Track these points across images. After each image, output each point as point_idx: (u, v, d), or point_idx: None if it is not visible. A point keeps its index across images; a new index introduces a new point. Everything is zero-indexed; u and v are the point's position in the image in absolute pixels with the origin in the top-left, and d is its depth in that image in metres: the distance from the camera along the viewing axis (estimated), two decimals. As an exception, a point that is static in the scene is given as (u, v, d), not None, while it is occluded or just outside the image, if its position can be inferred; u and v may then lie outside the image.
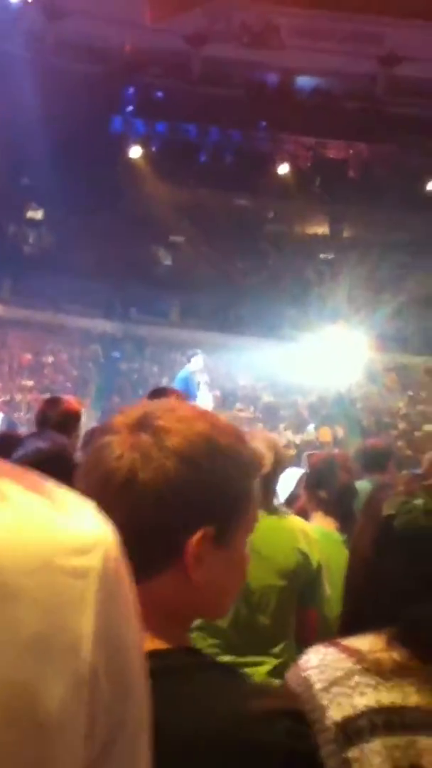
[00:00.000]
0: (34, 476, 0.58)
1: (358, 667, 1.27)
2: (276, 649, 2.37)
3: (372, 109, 14.49)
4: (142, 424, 0.92)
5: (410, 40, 13.07)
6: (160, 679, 0.72)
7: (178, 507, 0.89)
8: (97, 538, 0.56)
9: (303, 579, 2.50)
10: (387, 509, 1.38)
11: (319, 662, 1.30)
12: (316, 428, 13.61)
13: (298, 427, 13.89)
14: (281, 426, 13.84)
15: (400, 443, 11.73)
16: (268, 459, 2.80)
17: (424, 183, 15.24)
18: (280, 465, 2.74)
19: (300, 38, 14.58)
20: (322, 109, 15.02)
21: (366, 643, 1.30)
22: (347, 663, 1.28)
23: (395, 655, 1.27)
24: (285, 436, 13.15)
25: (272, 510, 2.58)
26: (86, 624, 0.53)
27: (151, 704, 0.62)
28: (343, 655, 1.29)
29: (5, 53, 15.32)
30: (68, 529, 0.54)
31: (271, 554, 2.43)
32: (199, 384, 11.04)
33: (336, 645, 1.32)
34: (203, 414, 0.97)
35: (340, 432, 13.13)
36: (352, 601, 1.43)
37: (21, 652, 0.50)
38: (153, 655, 0.77)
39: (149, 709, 0.61)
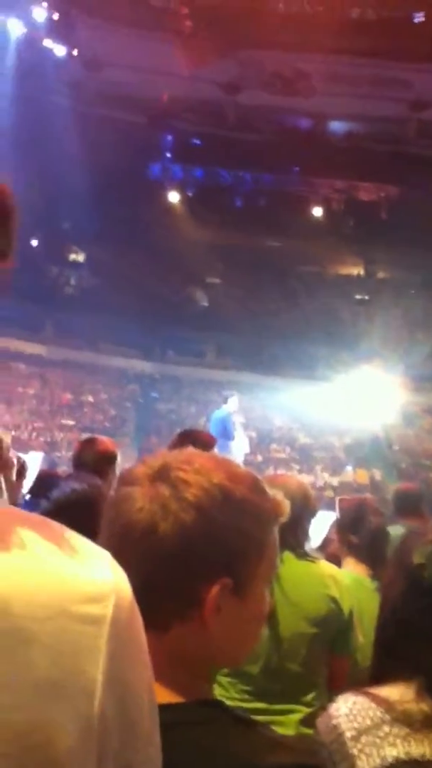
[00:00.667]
0: (53, 525, 0.61)
1: (388, 717, 1.27)
2: (307, 698, 2.33)
3: (402, 153, 14.62)
4: (162, 475, 0.93)
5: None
6: (173, 731, 0.74)
7: (196, 559, 0.90)
8: (110, 586, 0.58)
9: (334, 626, 2.44)
10: (417, 558, 1.38)
11: (349, 710, 1.29)
12: (353, 470, 13.47)
13: (335, 468, 13.78)
14: (318, 467, 13.74)
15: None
16: (287, 506, 2.76)
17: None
18: (308, 509, 2.72)
19: (330, 84, 14.85)
20: (353, 152, 15.20)
21: (396, 692, 1.30)
22: (377, 712, 1.27)
23: (425, 706, 1.26)
24: (322, 477, 13.05)
25: (302, 555, 2.58)
26: (97, 670, 0.56)
27: (162, 755, 0.64)
28: (372, 704, 1.28)
29: (49, 103, 15.93)
30: (82, 577, 0.57)
31: (302, 601, 2.38)
32: (235, 425, 11.07)
33: (366, 694, 1.32)
34: (221, 464, 0.98)
35: (377, 474, 12.99)
36: (382, 650, 1.41)
37: (35, 694, 0.53)
38: (168, 708, 0.79)
39: (159, 756, 0.63)
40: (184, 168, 18.15)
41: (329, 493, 10.99)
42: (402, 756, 1.23)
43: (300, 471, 13.30)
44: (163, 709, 0.69)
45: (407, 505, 4.15)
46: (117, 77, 16.39)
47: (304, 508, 2.67)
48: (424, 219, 14.74)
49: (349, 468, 13.56)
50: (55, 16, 15.65)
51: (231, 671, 2.34)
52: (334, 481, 12.95)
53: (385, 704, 1.29)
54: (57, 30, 15.73)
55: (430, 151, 14.34)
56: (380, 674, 1.37)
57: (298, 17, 14.98)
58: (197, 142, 17.39)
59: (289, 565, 2.41)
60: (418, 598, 1.34)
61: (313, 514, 2.79)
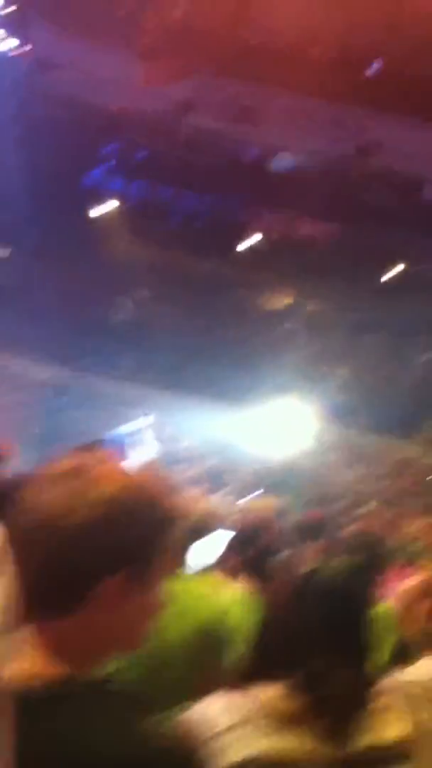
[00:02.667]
0: None
1: (257, 712, 1.34)
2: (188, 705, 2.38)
3: (344, 193, 15.03)
4: (71, 475, 1.03)
5: (388, 132, 13.69)
6: (60, 704, 0.87)
7: (97, 552, 1.00)
8: None
9: (217, 638, 2.49)
10: (310, 565, 1.58)
11: (220, 706, 1.36)
12: (261, 496, 13.50)
13: (241, 493, 13.77)
14: (224, 490, 13.70)
15: (341, 519, 11.71)
16: (192, 518, 2.85)
17: (385, 270, 15.87)
18: (206, 525, 2.89)
19: (283, 118, 15.16)
20: (296, 186, 15.51)
21: (267, 690, 1.38)
22: (246, 708, 1.35)
23: (293, 703, 1.35)
24: (227, 500, 13.01)
25: (194, 569, 2.67)
26: None
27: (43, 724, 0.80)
28: (244, 700, 1.36)
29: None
30: None
31: (188, 612, 2.42)
32: (145, 440, 10.97)
33: (237, 690, 1.40)
34: (129, 469, 1.08)
35: (284, 502, 13.05)
36: (259, 652, 1.51)
37: None
38: (57, 682, 0.93)
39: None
40: (124, 179, 18.09)
41: (234, 517, 10.88)
42: (268, 750, 1.31)
43: (208, 492, 13.20)
44: (53, 682, 0.87)
45: (310, 533, 4.44)
46: (68, 82, 16.23)
47: (200, 524, 2.79)
48: (357, 259, 15.26)
49: (256, 493, 13.60)
50: (8, 10, 15.30)
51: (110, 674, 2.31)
52: (241, 504, 12.89)
53: (256, 701, 1.36)
54: (10, 24, 15.42)
55: (371, 196, 14.80)
56: (254, 673, 1.44)
57: (259, 49, 15.25)
58: (141, 155, 17.37)
59: (181, 578, 2.46)
60: (306, 601, 1.44)
61: (209, 530, 3.00)
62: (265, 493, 13.19)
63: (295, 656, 1.40)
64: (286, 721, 1.34)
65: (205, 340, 17.07)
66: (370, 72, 13.82)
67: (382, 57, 13.58)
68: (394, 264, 15.92)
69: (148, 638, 2.39)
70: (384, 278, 15.82)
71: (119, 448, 9.96)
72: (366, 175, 14.66)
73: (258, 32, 15.22)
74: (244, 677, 1.47)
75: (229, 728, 1.31)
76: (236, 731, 1.30)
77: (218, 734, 1.29)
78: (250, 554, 3.29)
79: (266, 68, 14.75)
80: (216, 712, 1.35)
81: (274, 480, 14.04)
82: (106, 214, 17.79)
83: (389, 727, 1.43)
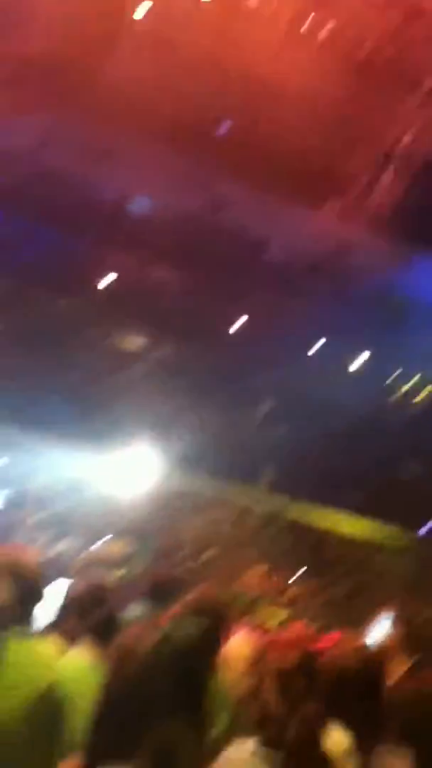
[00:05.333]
0: None
1: None
2: None
3: (195, 244, 15.47)
4: None
5: (236, 196, 14.34)
6: None
7: None
8: None
9: (54, 710, 2.37)
10: (167, 628, 1.45)
11: None
12: (109, 541, 13.41)
13: (90, 538, 13.61)
14: (73, 535, 13.50)
15: (183, 567, 11.85)
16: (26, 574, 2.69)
17: (231, 321, 16.44)
18: (28, 586, 2.60)
19: (137, 165, 15.40)
20: (149, 233, 15.80)
21: None
22: None
23: None
24: (75, 545, 12.83)
25: (28, 634, 2.48)
26: None
27: None
28: None
29: None
30: None
31: (24, 680, 2.29)
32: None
33: None
34: None
35: (131, 549, 13.06)
36: (103, 728, 1.43)
37: None
38: None
39: None
40: (-27, 208, 17.54)
41: (80, 563, 10.79)
42: None
43: (54, 536, 12.98)
44: None
45: (156, 591, 4.28)
46: None
47: (21, 586, 2.57)
48: (203, 308, 15.66)
49: (105, 538, 13.50)
50: None
51: None
52: (88, 550, 12.77)
53: None
54: None
55: (219, 248, 15.32)
56: (96, 750, 1.41)
57: (117, 94, 15.44)
58: (-3, 184, 16.92)
59: (10, 645, 2.35)
60: (156, 665, 1.38)
61: (31, 590, 2.67)
62: (112, 539, 13.16)
63: (141, 727, 1.34)
64: None
65: (54, 380, 16.78)
66: (219, 132, 14.43)
67: (230, 119, 14.23)
68: (240, 314, 16.50)
69: None
70: (230, 329, 16.35)
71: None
72: (216, 228, 15.20)
73: (117, 76, 15.49)
74: (85, 755, 1.43)
75: None
76: None
77: None
78: (92, 617, 3.12)
79: (123, 113, 14.98)
80: None
81: (121, 525, 14.01)
82: None
83: None
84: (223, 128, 14.64)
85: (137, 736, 1.34)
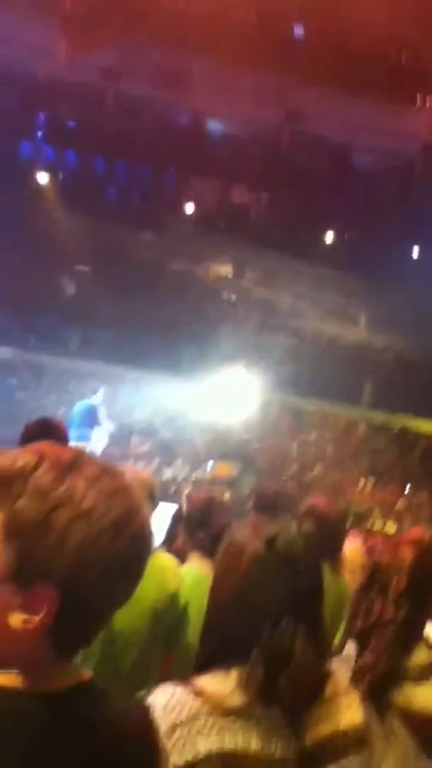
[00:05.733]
0: None
1: (205, 708, 1.28)
2: (140, 694, 2.34)
3: (275, 160, 15.00)
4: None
5: (315, 101, 13.70)
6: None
7: None
8: None
9: (169, 621, 2.51)
10: (268, 533, 1.40)
11: (165, 703, 1.30)
12: (214, 465, 13.68)
13: (194, 463, 13.93)
14: (178, 462, 13.85)
15: (290, 485, 11.96)
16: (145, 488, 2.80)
17: (322, 234, 15.94)
18: (155, 506, 2.73)
19: (211, 85, 14.99)
20: (228, 153, 15.44)
21: (215, 683, 1.32)
22: (194, 704, 1.29)
23: (243, 696, 1.29)
24: (182, 471, 13.17)
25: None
26: None
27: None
28: (190, 696, 1.30)
29: None
30: None
31: (139, 596, 2.40)
32: (100, 416, 10.97)
33: (185, 685, 1.34)
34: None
35: (236, 471, 13.28)
36: (212, 635, 1.43)
37: None
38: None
39: None
40: (56, 150, 17.66)
41: (187, 487, 11.10)
42: (214, 749, 1.25)
43: (160, 464, 13.35)
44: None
45: (266, 503, 4.30)
46: (-8, 50, 15.66)
47: (157, 504, 2.68)
48: (291, 226, 15.24)
49: (210, 463, 13.77)
50: None
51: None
52: (194, 475, 13.10)
53: (202, 695, 1.30)
54: None
55: (302, 161, 14.80)
56: (205, 661, 1.39)
57: (184, 15, 15.00)
58: (71, 124, 16.96)
59: None
60: (266, 569, 1.36)
61: (154, 506, 2.78)
62: (217, 462, 13.40)
63: (254, 631, 1.32)
64: (235, 715, 1.27)
65: (148, 312, 16.98)
66: (293, 38, 13.76)
67: (305, 25, 13.51)
68: (327, 230, 15.99)
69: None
70: (320, 245, 15.90)
71: (72, 425, 9.94)
72: (295, 141, 14.66)
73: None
74: (198, 663, 1.42)
75: (174, 727, 1.26)
76: (180, 731, 1.25)
77: (162, 735, 1.19)
78: (201, 533, 3.16)
79: (190, 34, 14.54)
80: (159, 711, 1.26)
81: (224, 450, 14.24)
82: (40, 187, 17.42)
83: (343, 713, 1.33)
84: (297, 33, 13.92)
85: (247, 641, 1.33)
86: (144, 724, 1.08)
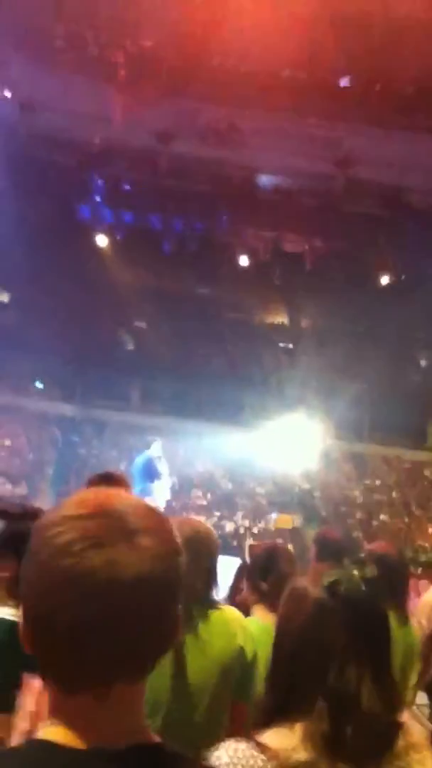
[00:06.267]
0: None
1: (270, 765, 1.25)
2: (205, 752, 2.31)
3: (328, 207, 15.10)
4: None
5: (365, 145, 13.80)
6: None
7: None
8: None
9: (238, 674, 2.45)
10: (328, 580, 1.38)
11: (230, 759, 1.28)
12: (275, 516, 13.49)
13: (256, 515, 13.76)
14: (239, 514, 13.70)
15: (356, 533, 11.67)
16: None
17: (377, 277, 15.87)
18: (213, 553, 2.66)
19: (261, 139, 15.30)
20: (281, 205, 15.62)
21: (279, 739, 1.29)
22: (258, 761, 1.26)
23: (308, 751, 1.25)
24: (243, 524, 13.02)
25: (210, 603, 2.52)
26: None
27: None
28: (254, 752, 1.27)
29: (-24, 143, 15.75)
30: None
31: (209, 650, 2.37)
32: (158, 469, 10.96)
33: (249, 741, 1.30)
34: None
35: (297, 521, 13.05)
36: (276, 685, 1.41)
37: None
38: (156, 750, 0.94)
39: None
40: (113, 212, 18.24)
41: (249, 540, 10.92)
42: None
43: (221, 518, 13.21)
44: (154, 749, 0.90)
45: (328, 550, 4.18)
46: (50, 120, 16.41)
47: (211, 553, 2.63)
48: (346, 271, 15.24)
49: (272, 515, 13.59)
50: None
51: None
52: (255, 528, 12.91)
53: (267, 752, 1.27)
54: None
55: (355, 207, 14.85)
56: (270, 713, 1.36)
57: (232, 73, 15.46)
58: (127, 187, 17.53)
59: (200, 614, 2.40)
60: (328, 617, 1.33)
61: (210, 558, 2.72)
62: (279, 513, 13.21)
63: (318, 678, 1.29)
64: None
65: (206, 364, 17.10)
66: (340, 85, 13.98)
67: (351, 73, 13.72)
68: (384, 273, 15.93)
69: (171, 681, 2.42)
70: (376, 288, 15.83)
71: (128, 477, 9.91)
72: (347, 188, 14.75)
73: (228, 56, 15.46)
74: (263, 715, 1.39)
75: None
76: None
77: None
78: (265, 584, 3.10)
79: (238, 91, 14.94)
80: (225, 766, 1.26)
81: (286, 500, 14.04)
82: (99, 247, 17.96)
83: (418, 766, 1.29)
84: (343, 82, 14.15)
85: (312, 689, 1.30)
86: None
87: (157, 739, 0.98)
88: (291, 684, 1.36)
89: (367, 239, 14.96)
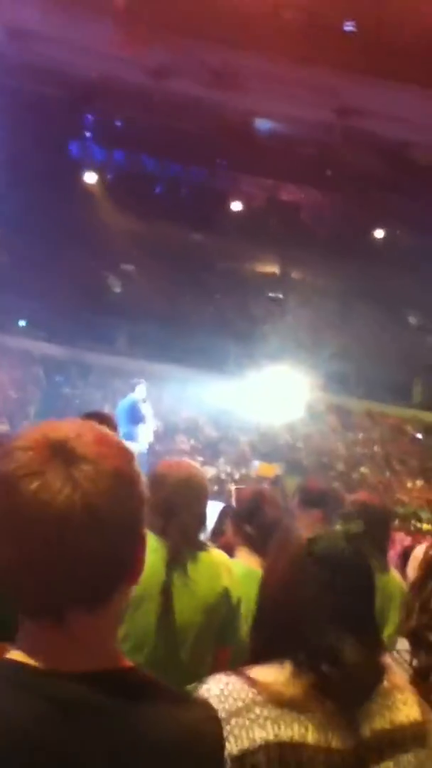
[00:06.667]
0: None
1: (260, 698, 1.27)
2: (191, 686, 2.35)
3: (326, 157, 14.86)
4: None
5: (367, 96, 13.52)
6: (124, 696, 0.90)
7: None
8: None
9: (222, 616, 2.49)
10: (309, 534, 1.39)
11: (220, 692, 1.28)
12: (258, 465, 13.64)
13: (239, 462, 13.91)
14: (221, 460, 13.84)
15: (336, 484, 11.85)
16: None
17: (371, 232, 15.75)
18: (198, 496, 2.70)
19: (260, 83, 14.92)
20: (278, 152, 15.34)
21: (270, 674, 1.30)
22: (249, 693, 1.27)
23: (297, 687, 1.27)
24: (225, 470, 13.16)
25: (198, 544, 2.55)
26: None
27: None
28: (245, 686, 1.28)
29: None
30: None
31: (196, 590, 2.42)
32: (143, 412, 10.97)
33: (239, 674, 1.32)
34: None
35: (280, 470, 13.21)
36: (261, 630, 1.42)
37: None
38: (122, 675, 0.94)
39: None
40: (104, 150, 17.81)
41: (231, 486, 11.07)
42: (271, 738, 1.24)
43: (204, 463, 13.34)
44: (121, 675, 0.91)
45: (311, 499, 4.23)
46: (41, 50, 15.86)
47: (204, 496, 2.67)
48: (341, 224, 15.10)
49: (255, 463, 13.73)
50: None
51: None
52: (237, 474, 13.07)
53: (257, 686, 1.29)
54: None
55: (353, 158, 14.62)
56: (258, 654, 1.37)
57: (232, 13, 14.96)
58: (119, 124, 17.08)
59: (190, 555, 2.45)
60: (306, 572, 1.35)
61: (206, 501, 2.78)
62: (261, 462, 13.35)
63: (299, 632, 1.31)
64: (290, 707, 1.26)
65: (194, 311, 17.01)
66: (343, 33, 13.59)
67: (356, 19, 13.34)
68: (379, 229, 15.80)
69: (157, 618, 2.45)
70: (370, 243, 15.72)
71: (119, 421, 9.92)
72: (346, 138, 14.49)
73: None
74: (249, 657, 1.40)
75: (229, 716, 1.25)
76: (236, 719, 1.23)
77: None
78: (250, 528, 3.13)
79: (238, 32, 14.51)
80: (214, 699, 1.26)
81: (269, 450, 14.18)
82: (89, 186, 17.59)
83: (400, 708, 1.32)
84: (347, 28, 13.75)
85: (294, 639, 1.32)
86: (207, 718, 1.05)
87: (127, 664, 0.99)
88: (275, 630, 1.37)
89: (364, 194, 14.77)
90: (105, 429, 1.00)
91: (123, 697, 0.94)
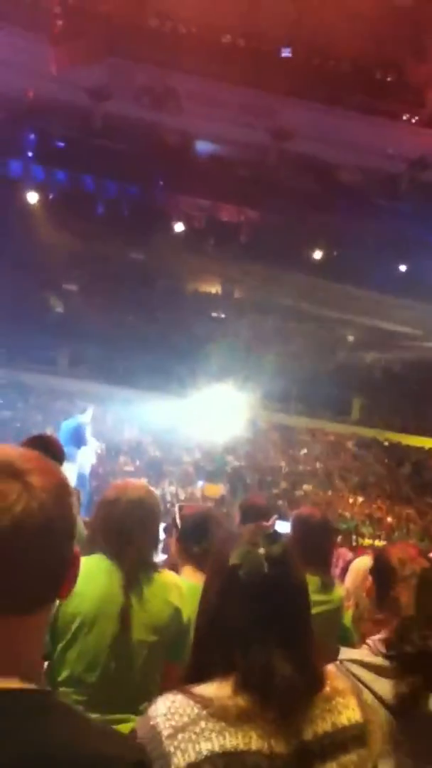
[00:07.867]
0: None
1: (205, 712, 1.31)
2: (142, 706, 2.34)
3: (263, 178, 15.14)
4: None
5: (300, 118, 13.87)
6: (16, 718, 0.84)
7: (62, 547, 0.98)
8: None
9: (173, 634, 2.51)
10: (233, 559, 1.42)
11: (167, 709, 1.32)
12: (203, 485, 13.62)
13: (183, 483, 13.87)
14: (166, 481, 13.78)
15: (280, 502, 11.93)
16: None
17: (310, 251, 16.05)
18: (152, 518, 2.74)
19: (198, 105, 15.14)
20: (216, 173, 15.56)
21: (213, 689, 1.35)
22: (194, 709, 1.31)
23: (240, 701, 1.31)
24: (170, 491, 13.10)
25: (153, 565, 2.58)
26: None
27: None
28: (190, 702, 1.32)
29: None
30: None
31: (149, 609, 2.44)
32: (86, 435, 10.87)
33: (184, 692, 1.35)
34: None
35: (224, 490, 13.24)
36: (199, 650, 1.45)
37: None
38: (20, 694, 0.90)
39: None
40: (46, 170, 17.71)
41: (178, 504, 11.02)
42: (216, 749, 1.28)
43: (148, 484, 13.25)
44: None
45: (251, 516, 4.25)
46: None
47: (157, 517, 2.70)
48: (280, 243, 15.34)
49: (199, 483, 13.72)
50: None
51: (66, 679, 2.31)
52: (183, 494, 13.03)
53: (202, 701, 1.33)
54: None
55: (289, 180, 14.93)
56: (198, 673, 1.41)
57: (171, 36, 15.17)
58: (61, 144, 17.05)
59: (145, 577, 2.46)
60: (233, 596, 1.39)
61: (159, 522, 2.81)
62: (206, 482, 13.35)
63: (235, 652, 1.35)
64: (234, 719, 1.31)
65: (136, 330, 16.97)
66: (279, 57, 13.94)
67: (291, 45, 13.70)
68: (316, 248, 16.11)
69: (112, 639, 2.46)
70: (308, 262, 16.01)
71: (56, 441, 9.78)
72: (281, 160, 14.80)
73: (167, 17, 15.18)
74: (192, 675, 1.43)
75: (176, 732, 1.29)
76: (182, 734, 1.28)
77: (164, 739, 1.26)
78: (197, 547, 3.15)
79: (177, 54, 14.71)
80: (161, 717, 1.31)
81: (213, 469, 14.20)
82: (30, 205, 17.46)
83: (341, 711, 1.38)
84: (283, 53, 14.12)
85: (227, 657, 1.35)
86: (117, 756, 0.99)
87: (23, 685, 0.94)
88: (210, 650, 1.41)
89: (300, 214, 15.07)
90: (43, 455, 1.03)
91: (17, 719, 0.90)
